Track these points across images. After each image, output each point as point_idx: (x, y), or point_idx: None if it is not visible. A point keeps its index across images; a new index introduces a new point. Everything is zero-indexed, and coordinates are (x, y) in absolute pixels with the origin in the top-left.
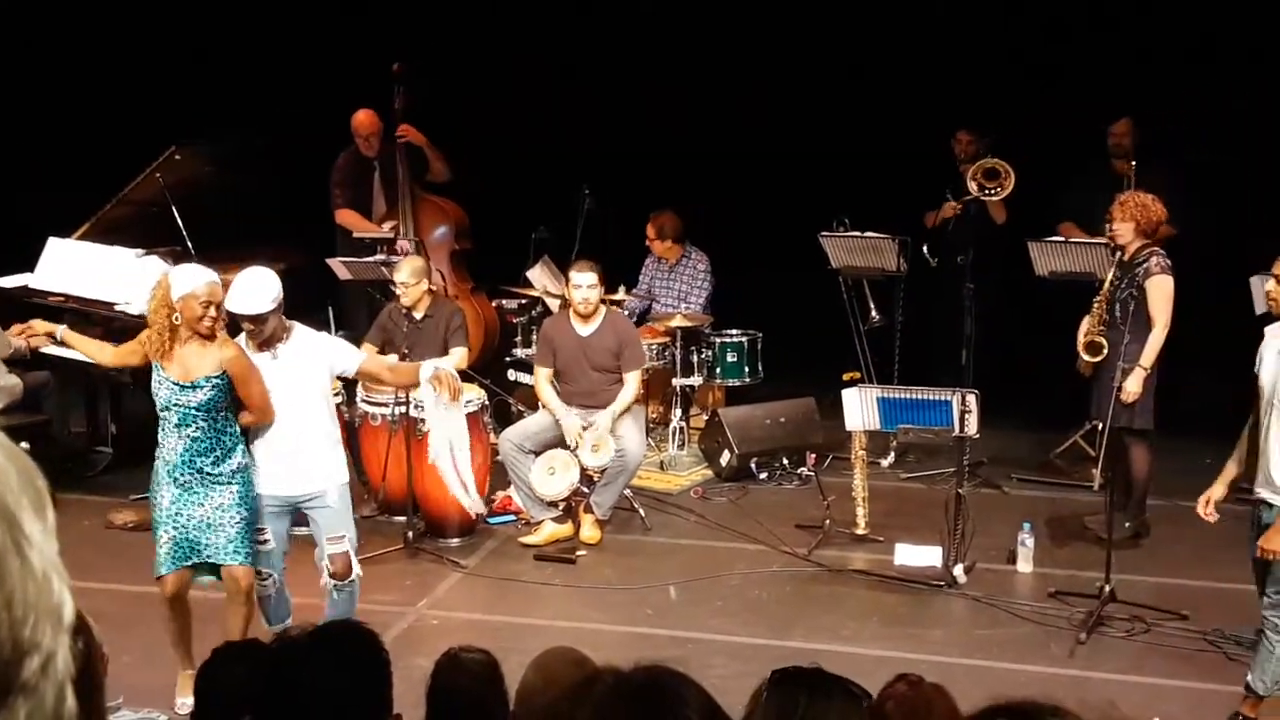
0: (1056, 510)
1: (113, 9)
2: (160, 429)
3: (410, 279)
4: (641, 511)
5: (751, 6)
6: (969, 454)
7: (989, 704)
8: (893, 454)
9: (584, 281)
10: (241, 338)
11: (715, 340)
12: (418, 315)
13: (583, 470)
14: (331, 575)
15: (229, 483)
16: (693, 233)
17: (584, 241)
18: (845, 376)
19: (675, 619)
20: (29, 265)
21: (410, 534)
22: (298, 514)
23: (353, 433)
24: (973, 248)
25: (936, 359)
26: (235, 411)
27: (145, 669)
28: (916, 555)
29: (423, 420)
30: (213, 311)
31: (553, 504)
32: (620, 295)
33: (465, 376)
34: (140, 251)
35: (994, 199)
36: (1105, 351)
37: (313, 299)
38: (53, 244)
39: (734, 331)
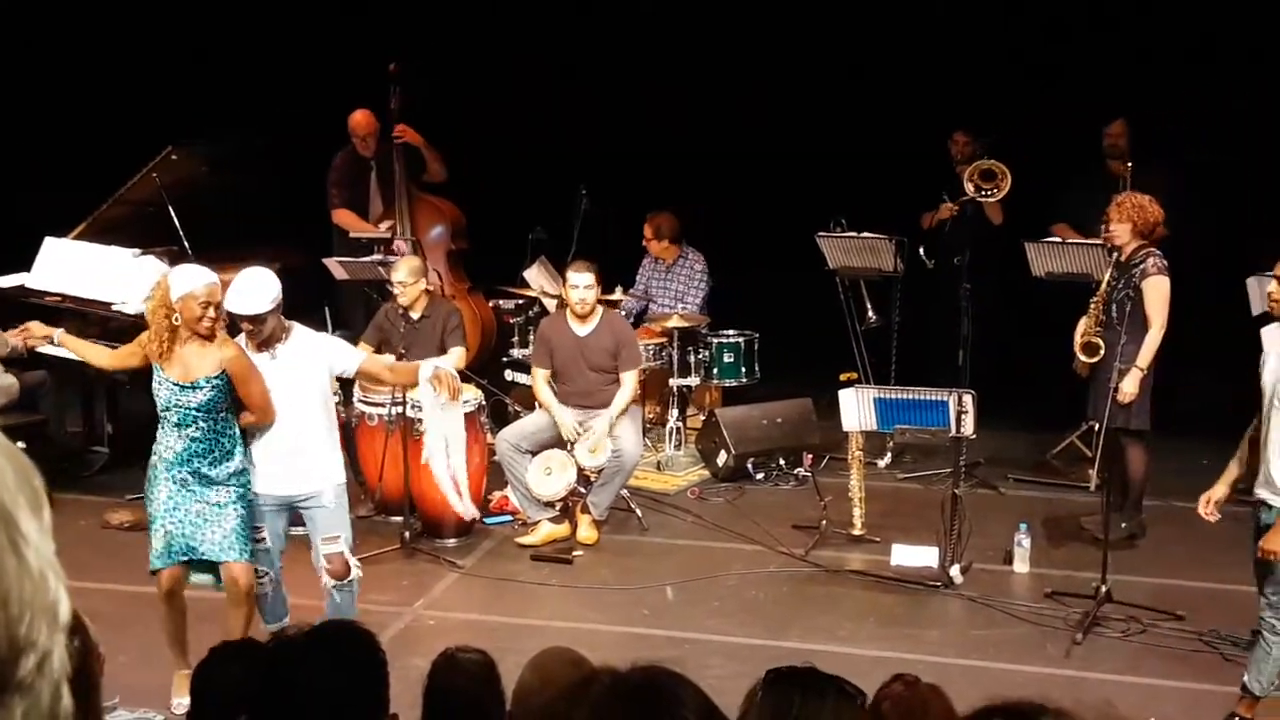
0: (1053, 511)
1: (109, 9)
2: (160, 427)
3: (408, 278)
4: (638, 512)
5: (748, 7)
6: (965, 454)
7: (985, 704)
8: (889, 454)
9: (581, 282)
10: (241, 338)
11: (712, 341)
12: (414, 315)
13: (580, 470)
14: (330, 575)
15: (225, 484)
16: (690, 233)
17: (581, 242)
18: (842, 377)
19: (672, 619)
20: (26, 265)
21: (407, 534)
22: (294, 513)
23: (349, 433)
24: (969, 249)
25: (933, 360)
26: (236, 413)
27: (141, 669)
28: (913, 556)
29: (420, 420)
30: (212, 312)
31: (549, 504)
32: (617, 295)
33: (462, 377)
34: (137, 251)
35: (991, 200)
36: (1102, 352)
37: (309, 299)
38: (49, 244)
39: (731, 332)
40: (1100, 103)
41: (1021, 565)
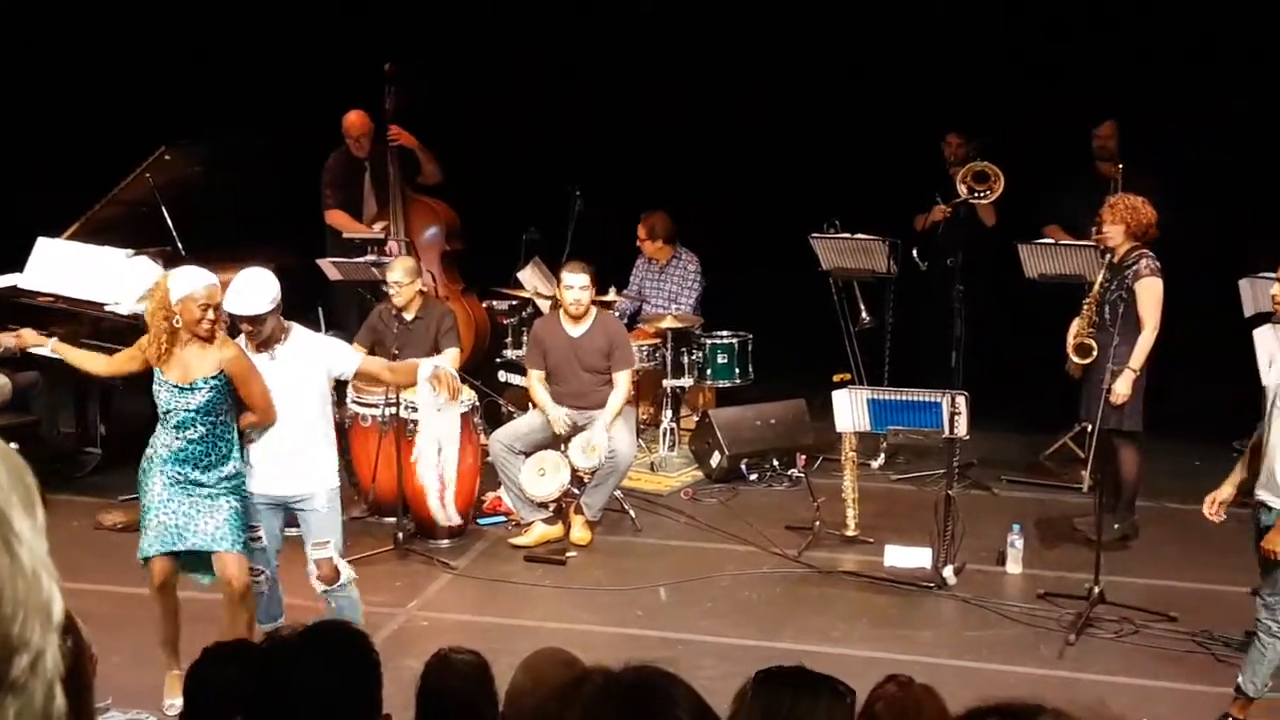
0: (1046, 512)
1: (104, 9)
2: (160, 425)
3: (404, 278)
4: (632, 513)
5: (743, 7)
6: (959, 456)
7: (979, 704)
8: (883, 455)
9: (576, 282)
10: (241, 339)
11: (706, 341)
12: (408, 316)
13: (573, 471)
14: (319, 580)
15: (217, 484)
16: (683, 233)
17: (574, 243)
18: (835, 378)
19: (665, 620)
20: (18, 265)
21: (400, 535)
22: (290, 514)
23: (343, 434)
24: (962, 250)
25: (926, 361)
26: (235, 415)
27: (134, 670)
28: (906, 557)
29: (413, 421)
30: (211, 314)
31: (543, 505)
32: (611, 296)
33: None
34: (130, 252)
35: (983, 202)
36: (1095, 353)
37: (303, 300)
38: (42, 244)
39: (724, 333)
40: (1094, 104)
41: (1014, 566)
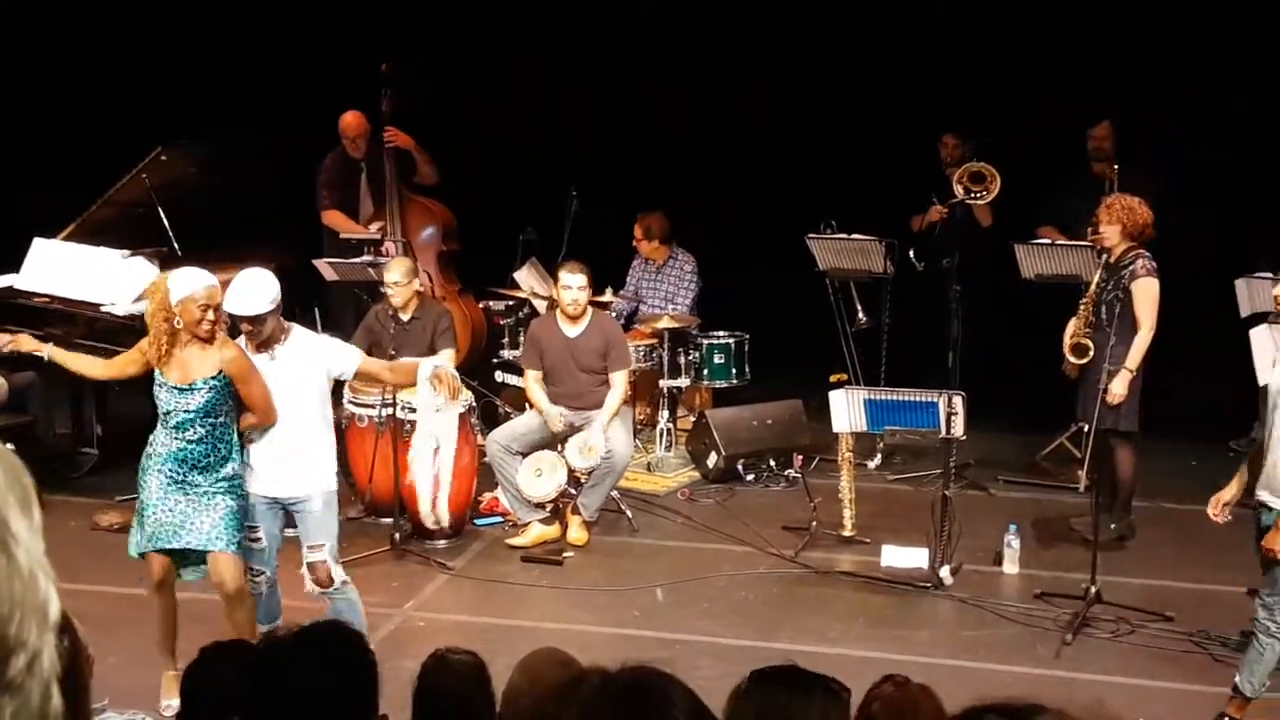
0: (1042, 512)
1: (103, 9)
2: (160, 425)
3: (403, 279)
4: (629, 513)
5: (739, 8)
6: (955, 456)
7: (974, 704)
8: (879, 456)
9: (574, 283)
10: (241, 339)
11: (702, 342)
12: (404, 317)
13: (570, 472)
14: (314, 583)
15: (215, 484)
16: (680, 234)
17: (571, 243)
18: (832, 378)
19: (662, 620)
20: (14, 266)
21: (397, 536)
22: (289, 514)
23: (339, 434)
24: (959, 251)
25: (923, 361)
26: (235, 417)
27: (130, 671)
28: (903, 557)
29: (410, 422)
30: (211, 315)
31: (540, 506)
32: (607, 297)
33: None
34: (126, 253)
35: (980, 202)
36: (1091, 354)
37: (299, 300)
38: (38, 245)
39: (721, 333)
40: (1092, 104)
41: (1011, 566)
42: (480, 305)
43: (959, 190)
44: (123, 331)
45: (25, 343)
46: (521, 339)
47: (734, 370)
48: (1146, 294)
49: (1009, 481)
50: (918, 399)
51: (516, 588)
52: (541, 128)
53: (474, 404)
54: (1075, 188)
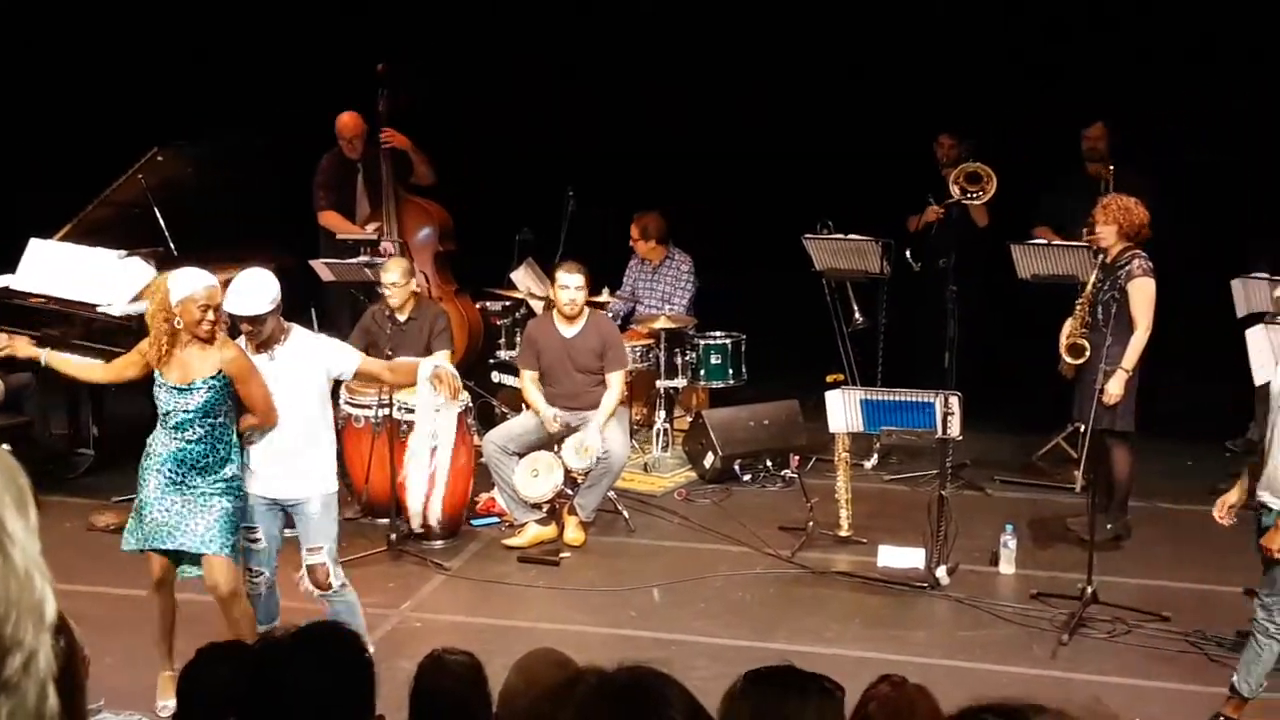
0: (1039, 512)
1: (103, 9)
2: (159, 426)
3: (401, 279)
4: (625, 513)
5: (738, 8)
6: (952, 456)
7: (971, 704)
8: (876, 456)
9: (571, 283)
10: (241, 339)
11: (699, 342)
12: (401, 318)
13: (566, 472)
14: (312, 585)
15: (213, 485)
16: (676, 234)
17: (568, 243)
18: (828, 378)
19: (659, 621)
20: (10, 266)
21: (394, 536)
22: (289, 515)
23: (336, 435)
24: (955, 251)
25: (919, 361)
26: (235, 418)
27: (126, 671)
28: (899, 557)
29: (406, 422)
30: (211, 315)
31: (536, 506)
32: (604, 297)
33: None
34: (122, 253)
35: (976, 203)
36: (1087, 354)
37: (296, 301)
38: (34, 245)
39: (718, 333)
40: (1089, 104)
41: (1007, 566)
42: (477, 305)
43: (955, 190)
44: (119, 332)
45: (22, 349)
46: (518, 339)
47: (731, 370)
48: (1143, 294)
49: (1005, 482)
50: (914, 399)
51: (513, 588)
52: (538, 128)
53: (470, 404)
54: (1070, 188)
